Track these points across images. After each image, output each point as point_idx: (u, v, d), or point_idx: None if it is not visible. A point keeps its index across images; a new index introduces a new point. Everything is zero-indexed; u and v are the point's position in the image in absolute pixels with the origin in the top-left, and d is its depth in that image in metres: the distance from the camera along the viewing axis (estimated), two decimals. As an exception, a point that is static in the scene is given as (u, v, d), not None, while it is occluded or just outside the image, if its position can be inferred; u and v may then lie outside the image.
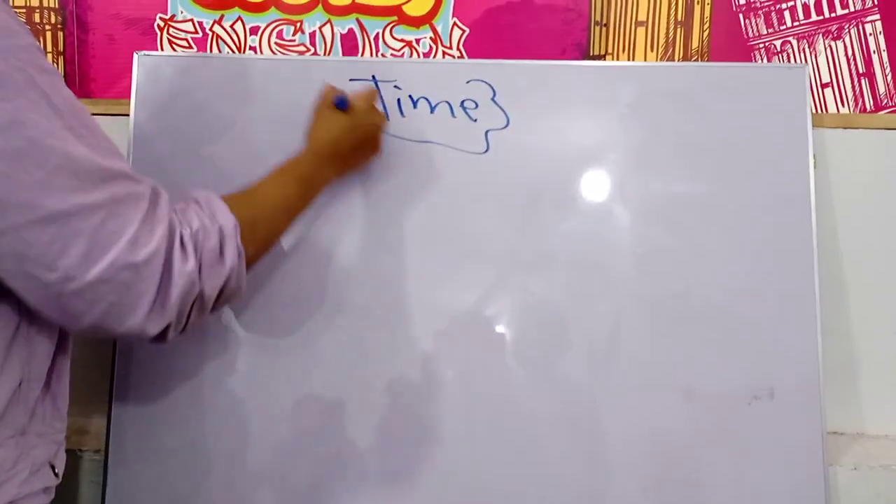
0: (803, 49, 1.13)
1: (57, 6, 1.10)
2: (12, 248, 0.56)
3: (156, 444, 0.97)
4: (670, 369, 0.98)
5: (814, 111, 1.09)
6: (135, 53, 1.02)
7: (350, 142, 0.89)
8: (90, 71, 1.11)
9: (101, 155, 0.60)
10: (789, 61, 1.12)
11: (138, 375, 0.98)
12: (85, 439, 1.04)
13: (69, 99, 0.59)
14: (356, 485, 0.97)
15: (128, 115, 1.01)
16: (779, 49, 1.13)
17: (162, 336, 0.65)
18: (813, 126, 1.02)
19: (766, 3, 1.12)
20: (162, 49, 1.10)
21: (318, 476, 0.97)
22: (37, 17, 1.10)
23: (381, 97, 1.02)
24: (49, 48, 1.11)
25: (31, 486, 0.67)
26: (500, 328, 0.99)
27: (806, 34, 1.12)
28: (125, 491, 0.96)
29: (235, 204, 0.72)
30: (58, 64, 1.11)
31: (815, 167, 1.01)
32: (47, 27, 1.10)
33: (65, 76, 1.11)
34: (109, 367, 0.98)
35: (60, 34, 1.11)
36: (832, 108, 1.12)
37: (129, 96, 1.02)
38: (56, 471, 0.72)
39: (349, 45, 1.12)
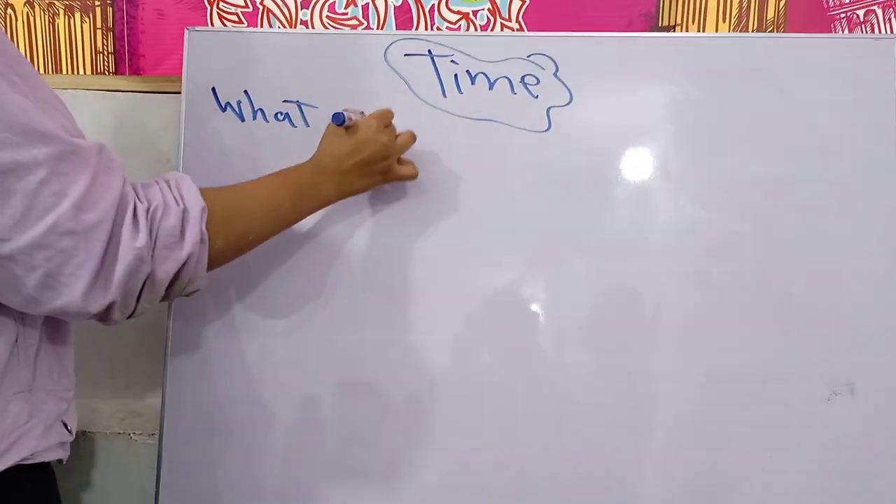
0: (889, 18, 1.06)
1: (106, -19, 1.09)
2: None
3: (210, 427, 0.96)
4: (743, 361, 0.94)
5: (901, 85, 1.02)
6: (185, 29, 1.00)
7: (355, 160, 0.84)
8: (140, 47, 1.09)
9: (42, 109, 0.56)
10: (873, 32, 1.06)
11: (192, 358, 0.97)
12: (139, 423, 1.04)
13: None
14: (404, 468, 0.95)
15: (179, 91, 0.99)
16: (862, 19, 1.06)
17: (105, 315, 0.61)
18: (902, 102, 0.96)
19: (849, -31, 1.05)
20: (212, 24, 1.08)
21: (369, 460, 0.96)
22: (86, -7, 1.09)
23: (438, 73, 0.98)
24: (98, 24, 1.09)
25: (48, 440, 0.68)
26: (564, 313, 0.96)
27: (892, 2, 1.06)
28: (180, 475, 0.96)
29: (213, 192, 0.69)
30: (107, 40, 1.09)
31: (902, 147, 0.95)
32: (97, 3, 1.09)
33: (114, 53, 1.09)
34: (163, 350, 0.97)
35: (110, 10, 1.09)
36: (918, 83, 1.05)
37: (179, 73, 1.00)
38: (69, 427, 0.72)
39: (403, 17, 1.08)
